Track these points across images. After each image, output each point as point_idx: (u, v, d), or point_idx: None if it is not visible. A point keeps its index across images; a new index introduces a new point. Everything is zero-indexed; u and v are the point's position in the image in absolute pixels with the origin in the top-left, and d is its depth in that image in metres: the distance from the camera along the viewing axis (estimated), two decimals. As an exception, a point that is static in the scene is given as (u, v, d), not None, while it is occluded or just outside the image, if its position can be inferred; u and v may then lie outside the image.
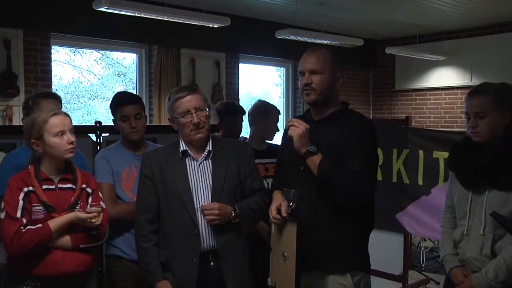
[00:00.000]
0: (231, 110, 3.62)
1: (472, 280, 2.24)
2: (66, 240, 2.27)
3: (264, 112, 3.35)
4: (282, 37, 6.34)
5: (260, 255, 3.18)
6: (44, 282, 2.26)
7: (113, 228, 2.74)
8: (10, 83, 5.15)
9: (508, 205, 2.17)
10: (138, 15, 5.01)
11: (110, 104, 2.85)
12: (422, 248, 5.66)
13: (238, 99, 7.22)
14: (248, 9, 6.69)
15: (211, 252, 2.30)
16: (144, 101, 6.34)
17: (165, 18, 5.24)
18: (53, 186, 2.31)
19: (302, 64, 2.28)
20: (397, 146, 4.10)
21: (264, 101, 3.50)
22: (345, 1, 6.24)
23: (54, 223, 2.23)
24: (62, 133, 2.28)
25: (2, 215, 2.23)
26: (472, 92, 2.32)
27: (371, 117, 8.88)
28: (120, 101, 2.78)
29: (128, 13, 4.95)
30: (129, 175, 2.74)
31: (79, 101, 6.93)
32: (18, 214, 2.20)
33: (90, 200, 2.38)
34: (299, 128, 2.15)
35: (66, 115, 2.35)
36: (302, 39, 6.48)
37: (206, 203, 2.30)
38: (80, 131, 3.42)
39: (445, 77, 8.24)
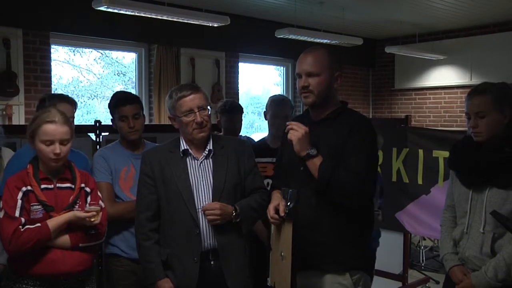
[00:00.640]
0: (226, 108, 3.62)
1: (471, 278, 2.24)
2: (65, 239, 2.27)
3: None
4: (281, 36, 6.34)
5: (253, 257, 3.18)
6: (44, 281, 2.26)
7: (111, 227, 2.74)
8: (9, 83, 5.15)
9: (508, 204, 2.17)
10: (138, 14, 5.01)
11: (109, 104, 2.85)
12: (422, 247, 5.66)
13: (237, 98, 7.22)
14: (247, 9, 6.69)
15: (211, 251, 2.30)
16: (143, 100, 6.38)
17: (165, 17, 5.23)
18: (52, 186, 2.31)
19: (298, 65, 2.26)
20: (397, 145, 4.10)
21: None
22: (345, 0, 6.24)
23: (53, 222, 2.23)
24: (50, 142, 2.26)
25: (1, 215, 2.23)
26: (472, 92, 2.32)
27: (370, 117, 8.88)
28: (118, 101, 2.78)
29: (127, 12, 4.95)
30: (127, 174, 2.74)
31: (78, 100, 6.90)
32: (17, 214, 2.20)
33: (89, 199, 2.38)
34: (299, 131, 2.15)
35: (64, 124, 2.30)
36: (301, 38, 6.48)
37: (206, 202, 2.30)
38: (80, 130, 3.42)
39: (444, 76, 8.24)
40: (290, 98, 8.21)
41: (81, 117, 6.85)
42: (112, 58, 7.05)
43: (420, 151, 4.14)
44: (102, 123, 3.53)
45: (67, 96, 2.92)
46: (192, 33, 6.35)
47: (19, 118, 5.21)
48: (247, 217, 2.38)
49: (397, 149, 4.21)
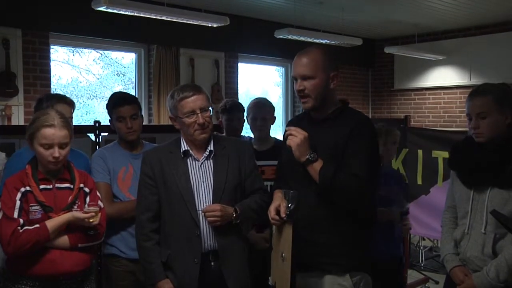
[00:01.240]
0: (226, 108, 3.62)
1: (473, 279, 2.23)
2: (64, 239, 2.27)
3: None
4: (281, 36, 6.34)
5: (253, 257, 3.19)
6: (43, 282, 2.26)
7: (110, 227, 2.74)
8: (9, 83, 5.14)
9: (510, 204, 2.17)
10: (137, 14, 5.00)
11: (107, 105, 2.85)
12: (421, 247, 5.66)
13: (237, 99, 7.21)
14: (247, 9, 6.69)
15: (211, 252, 2.30)
16: (143, 101, 6.38)
17: (164, 18, 5.23)
18: (51, 186, 2.31)
19: (293, 68, 2.25)
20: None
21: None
22: (344, 0, 6.24)
23: (52, 223, 2.23)
24: (49, 146, 2.26)
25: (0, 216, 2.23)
26: (473, 93, 2.32)
27: (370, 117, 8.87)
28: (116, 102, 2.78)
29: (127, 13, 4.95)
30: (125, 175, 2.74)
31: (78, 100, 6.91)
32: (15, 215, 2.20)
33: (88, 199, 2.38)
34: (297, 137, 2.14)
35: (63, 128, 2.29)
36: (301, 38, 6.48)
37: (207, 203, 2.30)
38: (79, 130, 3.43)
39: (444, 76, 8.24)
40: (290, 99, 8.22)
41: (81, 118, 6.85)
42: (111, 58, 7.05)
43: (420, 151, 4.16)
44: (101, 124, 3.53)
45: (65, 96, 2.92)
46: (191, 33, 6.35)
47: (18, 118, 5.21)
48: (247, 219, 2.38)
49: (396, 149, 4.21)
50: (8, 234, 2.17)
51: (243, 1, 6.32)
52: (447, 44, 8.11)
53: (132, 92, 6.52)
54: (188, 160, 2.36)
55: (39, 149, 2.27)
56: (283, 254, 2.15)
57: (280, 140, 3.35)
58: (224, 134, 3.57)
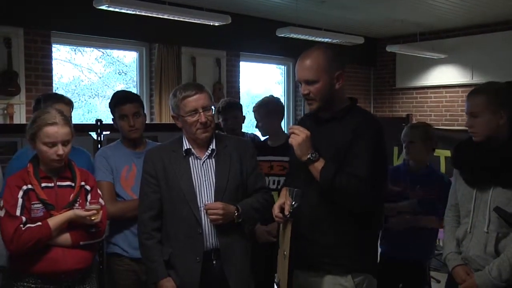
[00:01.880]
0: (222, 107, 3.62)
1: (475, 278, 2.23)
2: (66, 237, 2.28)
3: None
4: (283, 35, 6.33)
5: (257, 256, 3.20)
6: (45, 280, 2.26)
7: (112, 226, 2.75)
8: (11, 82, 5.14)
9: (513, 203, 2.17)
10: (139, 13, 5.01)
11: (109, 103, 2.85)
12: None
13: (239, 98, 7.21)
14: (249, 7, 6.68)
15: (213, 251, 2.31)
16: (144, 99, 6.37)
17: (166, 16, 5.23)
18: (52, 184, 2.32)
19: (296, 72, 2.22)
20: (398, 144, 4.10)
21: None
22: (346, -1, 6.24)
23: (54, 221, 2.24)
24: (52, 144, 2.26)
25: (2, 214, 2.23)
26: (470, 92, 2.34)
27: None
28: (118, 100, 2.78)
29: (128, 11, 4.95)
30: (128, 173, 2.74)
31: (80, 99, 6.93)
32: (18, 212, 2.21)
33: (89, 197, 2.38)
34: (299, 136, 2.13)
35: (65, 125, 2.31)
36: (303, 37, 6.47)
37: (209, 202, 2.30)
38: (81, 129, 3.43)
39: (446, 75, 8.23)
40: (292, 97, 8.22)
41: (82, 116, 6.86)
42: (113, 57, 7.06)
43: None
44: (103, 122, 3.53)
45: (63, 96, 2.92)
46: (193, 32, 6.34)
47: (20, 117, 5.21)
48: (249, 217, 2.39)
49: (398, 148, 4.21)
50: (11, 232, 2.17)
51: (245, -1, 6.33)
52: (449, 42, 8.10)
53: (134, 90, 6.53)
54: (190, 159, 2.36)
55: (42, 148, 2.27)
56: (285, 252, 2.15)
57: None
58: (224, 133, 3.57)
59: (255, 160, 2.49)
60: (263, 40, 7.18)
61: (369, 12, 6.98)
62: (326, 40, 6.71)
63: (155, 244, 2.33)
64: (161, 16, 5.20)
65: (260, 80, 8.60)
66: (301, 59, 2.21)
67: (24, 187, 2.25)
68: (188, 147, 2.37)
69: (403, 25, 7.67)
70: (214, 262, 2.31)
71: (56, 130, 2.27)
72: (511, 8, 6.78)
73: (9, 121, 5.09)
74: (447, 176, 3.13)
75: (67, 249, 2.28)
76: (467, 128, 2.32)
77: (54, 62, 5.68)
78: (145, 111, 2.90)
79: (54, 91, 5.56)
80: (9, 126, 4.60)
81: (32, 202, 2.24)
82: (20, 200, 2.22)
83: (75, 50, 6.57)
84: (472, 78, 7.79)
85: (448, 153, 4.42)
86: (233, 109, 3.69)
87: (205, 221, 2.29)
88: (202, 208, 2.29)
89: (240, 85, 7.30)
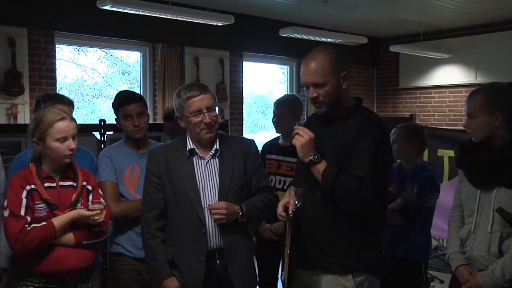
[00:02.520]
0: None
1: (478, 278, 2.23)
2: (69, 237, 2.29)
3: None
4: (286, 35, 6.33)
5: (261, 255, 3.20)
6: (48, 279, 2.27)
7: (116, 226, 2.75)
8: (14, 82, 5.16)
9: (517, 203, 2.16)
10: (142, 13, 5.01)
11: (113, 103, 2.85)
12: (427, 247, 5.63)
13: (242, 97, 7.22)
14: (252, 7, 6.69)
15: (217, 250, 2.31)
16: (148, 100, 6.38)
17: (169, 16, 5.24)
18: (54, 184, 2.33)
19: (303, 75, 2.21)
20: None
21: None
22: (349, -1, 6.24)
23: (58, 221, 2.24)
24: (64, 139, 2.29)
25: (6, 214, 2.24)
26: (470, 93, 2.36)
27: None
28: (123, 100, 2.78)
29: (132, 11, 4.96)
30: (132, 174, 2.75)
31: (83, 99, 6.95)
32: (22, 212, 2.21)
33: (90, 197, 2.39)
34: (303, 137, 2.14)
35: (72, 120, 2.36)
36: (306, 37, 6.47)
37: (213, 202, 2.30)
38: (85, 129, 3.43)
39: (449, 75, 8.21)
40: (295, 97, 8.20)
41: (86, 116, 6.87)
42: (116, 57, 7.07)
43: (425, 150, 4.13)
44: (106, 122, 3.54)
45: (63, 96, 2.92)
46: (196, 32, 6.35)
47: (24, 117, 5.23)
48: (253, 217, 2.39)
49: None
50: (16, 232, 2.18)
51: (248, -1, 6.33)
52: (452, 42, 8.09)
53: (137, 91, 6.54)
54: (194, 159, 2.37)
55: (54, 145, 2.28)
56: (287, 251, 2.16)
57: None
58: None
59: (259, 160, 2.50)
60: (266, 40, 7.19)
61: (372, 12, 6.97)
62: (329, 40, 6.70)
63: (159, 244, 2.34)
64: (165, 16, 5.21)
65: (263, 80, 8.60)
66: (306, 62, 2.19)
67: (28, 187, 2.25)
68: (192, 147, 2.37)
69: (406, 25, 7.66)
70: (218, 261, 2.31)
71: (67, 125, 2.30)
72: (515, 7, 6.77)
73: (13, 121, 5.11)
74: (441, 176, 3.13)
75: (70, 249, 2.29)
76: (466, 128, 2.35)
77: (57, 62, 5.70)
78: (148, 111, 2.90)
79: (57, 91, 5.58)
80: (13, 126, 4.61)
81: (36, 202, 2.25)
82: (24, 200, 2.23)
83: (78, 50, 6.58)
84: (476, 78, 7.78)
85: (451, 153, 4.42)
86: None
87: (209, 221, 2.29)
88: (206, 208, 2.30)
89: (244, 85, 7.30)
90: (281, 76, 8.56)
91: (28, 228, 2.19)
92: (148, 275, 2.47)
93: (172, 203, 2.34)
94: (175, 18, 5.31)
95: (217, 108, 2.37)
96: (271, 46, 7.35)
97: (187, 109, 2.31)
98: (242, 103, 7.23)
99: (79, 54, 6.66)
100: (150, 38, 6.35)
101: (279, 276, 2.33)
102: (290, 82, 8.26)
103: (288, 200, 2.15)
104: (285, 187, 3.09)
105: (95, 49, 6.67)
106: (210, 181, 2.34)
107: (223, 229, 2.30)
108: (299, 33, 6.32)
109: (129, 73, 7.12)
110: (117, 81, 7.18)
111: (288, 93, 8.23)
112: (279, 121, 3.27)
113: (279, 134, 3.36)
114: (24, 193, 2.24)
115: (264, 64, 8.15)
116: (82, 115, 6.83)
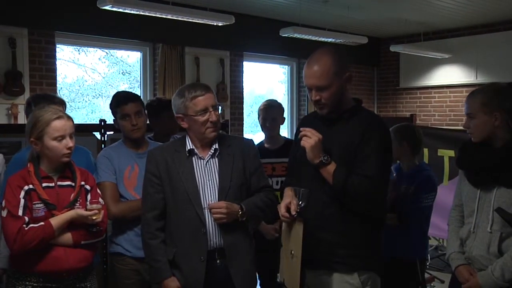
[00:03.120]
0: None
1: (478, 278, 2.23)
2: (67, 237, 2.29)
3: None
4: (286, 35, 6.34)
5: (260, 254, 3.18)
6: (47, 279, 2.27)
7: (115, 226, 2.75)
8: (15, 82, 5.17)
9: (517, 203, 2.16)
10: (143, 13, 5.02)
11: (110, 104, 2.84)
12: (427, 247, 5.63)
13: (242, 97, 7.22)
14: (252, 7, 6.69)
15: (218, 250, 2.31)
16: (148, 99, 6.38)
17: (169, 16, 5.24)
18: (53, 184, 2.32)
19: (306, 78, 2.20)
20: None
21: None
22: (350, -2, 6.24)
23: (56, 220, 2.24)
24: (61, 138, 2.28)
25: (4, 214, 2.24)
26: (470, 93, 2.36)
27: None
28: (120, 100, 2.78)
29: (132, 12, 4.97)
30: (131, 174, 2.74)
31: (83, 99, 6.95)
32: (20, 212, 2.21)
33: (89, 197, 2.39)
34: (312, 139, 2.14)
35: (69, 118, 2.35)
36: (306, 37, 6.48)
37: (213, 201, 2.30)
38: (85, 129, 3.44)
39: (450, 75, 8.21)
40: (295, 96, 8.22)
41: (86, 116, 6.88)
42: (117, 57, 7.07)
43: (425, 150, 4.14)
44: (107, 122, 3.54)
45: (54, 96, 2.90)
46: (196, 32, 6.35)
47: (24, 117, 5.22)
48: (253, 216, 2.39)
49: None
50: (14, 232, 2.18)
51: (248, -1, 6.33)
52: (453, 42, 8.09)
53: (138, 91, 6.55)
54: (193, 159, 2.37)
55: (52, 144, 2.28)
56: (293, 252, 2.16)
57: (289, 139, 3.43)
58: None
59: (258, 160, 2.50)
60: (267, 40, 7.19)
61: (372, 12, 6.97)
62: (329, 40, 6.71)
63: (159, 244, 2.34)
64: (165, 16, 5.21)
65: (264, 80, 8.60)
66: (309, 65, 2.19)
67: (26, 187, 2.25)
68: (191, 147, 2.37)
69: (406, 25, 7.66)
70: (218, 261, 2.31)
71: (64, 123, 2.30)
72: (516, 7, 6.77)
73: (14, 121, 5.11)
74: (438, 176, 3.12)
75: (69, 249, 2.29)
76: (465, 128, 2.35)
77: (58, 62, 5.70)
78: (145, 111, 2.89)
79: (58, 91, 5.59)
80: (14, 126, 4.61)
81: (34, 202, 2.25)
82: (22, 200, 2.23)
83: (78, 50, 6.59)
84: (476, 78, 7.78)
85: (452, 153, 4.41)
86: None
87: (209, 220, 2.29)
88: (206, 208, 2.30)
89: (244, 85, 7.30)
90: (281, 76, 8.56)
91: (26, 228, 2.19)
92: (148, 275, 2.47)
93: (171, 203, 2.34)
94: (175, 18, 5.31)
95: (220, 107, 2.38)
96: (272, 46, 7.36)
97: (192, 108, 2.31)
98: (242, 103, 7.24)
99: (79, 54, 6.67)
100: (150, 38, 6.36)
101: (277, 278, 2.33)
102: (290, 82, 8.27)
103: (289, 201, 2.16)
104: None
105: (95, 49, 6.67)
106: (210, 181, 2.34)
107: (223, 228, 2.29)
108: (300, 33, 6.32)
109: (129, 73, 7.12)
110: (118, 81, 7.18)
111: (288, 93, 8.25)
112: (271, 125, 3.37)
113: (262, 139, 3.47)
114: (22, 193, 2.24)
115: (264, 64, 8.15)
116: (83, 115, 6.84)
